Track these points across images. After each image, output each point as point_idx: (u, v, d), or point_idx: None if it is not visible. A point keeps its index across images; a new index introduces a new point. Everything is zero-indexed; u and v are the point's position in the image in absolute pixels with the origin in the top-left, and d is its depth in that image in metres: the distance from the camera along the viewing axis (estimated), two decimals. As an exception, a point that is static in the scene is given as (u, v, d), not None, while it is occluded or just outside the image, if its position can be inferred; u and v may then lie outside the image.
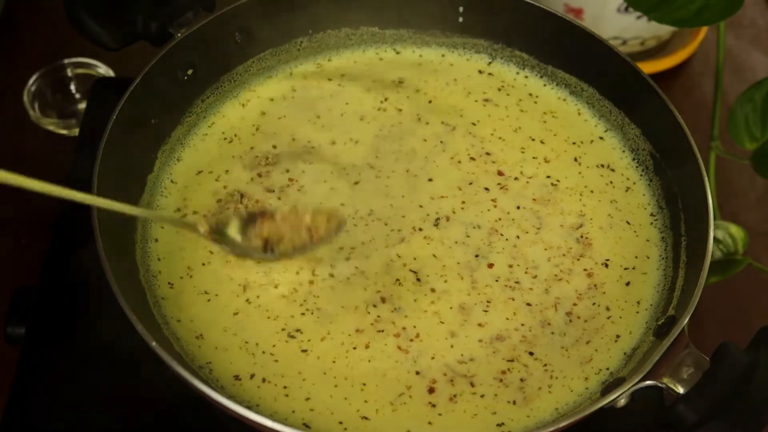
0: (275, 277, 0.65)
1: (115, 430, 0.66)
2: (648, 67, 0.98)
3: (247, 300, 0.64)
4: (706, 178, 0.65)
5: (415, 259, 0.67)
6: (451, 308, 0.65)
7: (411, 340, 0.63)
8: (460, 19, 0.78)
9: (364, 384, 0.61)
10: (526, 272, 0.67)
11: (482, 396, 0.61)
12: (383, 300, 0.65)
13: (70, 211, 0.75)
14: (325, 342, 0.63)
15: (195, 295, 0.65)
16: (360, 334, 0.63)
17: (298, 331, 0.63)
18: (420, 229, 0.68)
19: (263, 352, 0.62)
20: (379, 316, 0.64)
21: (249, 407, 0.56)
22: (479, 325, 0.64)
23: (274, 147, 0.73)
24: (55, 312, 0.70)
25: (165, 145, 0.72)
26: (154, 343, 0.56)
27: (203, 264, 0.66)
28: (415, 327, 0.64)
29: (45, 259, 0.73)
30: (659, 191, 0.71)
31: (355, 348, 0.62)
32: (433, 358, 0.62)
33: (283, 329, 0.63)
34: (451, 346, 0.63)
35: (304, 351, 0.62)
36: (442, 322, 0.64)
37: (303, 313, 0.64)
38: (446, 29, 0.79)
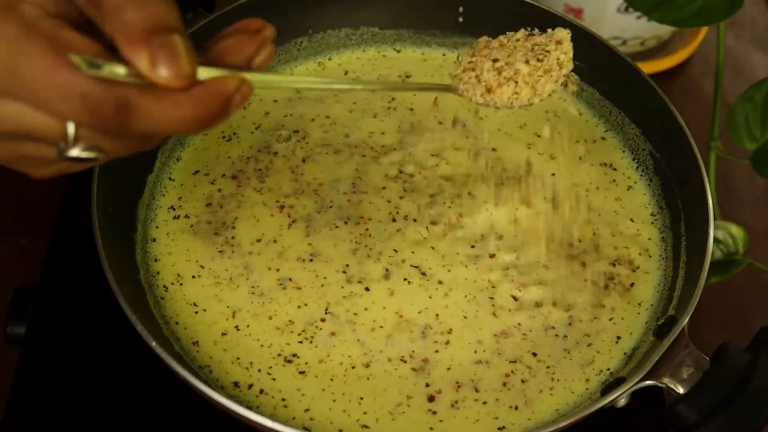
0: (274, 308, 0.64)
1: (115, 431, 0.66)
2: (648, 67, 0.98)
3: (236, 327, 0.63)
4: (706, 178, 0.65)
5: (413, 252, 0.67)
6: (465, 318, 0.65)
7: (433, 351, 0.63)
8: (460, 19, 0.78)
9: (362, 398, 0.61)
10: (529, 266, 0.67)
11: (485, 403, 0.61)
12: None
13: (70, 211, 0.75)
14: (324, 364, 0.62)
15: (184, 304, 0.64)
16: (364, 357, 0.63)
17: (294, 356, 0.62)
18: (414, 220, 0.69)
19: (258, 371, 0.62)
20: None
21: (249, 408, 0.56)
22: (489, 322, 0.64)
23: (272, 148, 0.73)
24: (55, 312, 0.70)
25: (165, 145, 0.72)
26: (154, 343, 0.56)
27: (193, 277, 0.66)
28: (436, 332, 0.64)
29: (45, 259, 0.73)
30: (659, 191, 0.71)
31: (353, 367, 0.62)
32: (449, 369, 0.62)
33: (279, 354, 0.62)
34: (474, 352, 0.63)
35: (302, 372, 0.62)
36: (464, 330, 0.64)
37: (301, 342, 0.63)
38: (446, 29, 0.79)
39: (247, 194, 0.70)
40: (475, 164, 0.72)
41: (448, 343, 0.63)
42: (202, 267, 0.66)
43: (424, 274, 0.66)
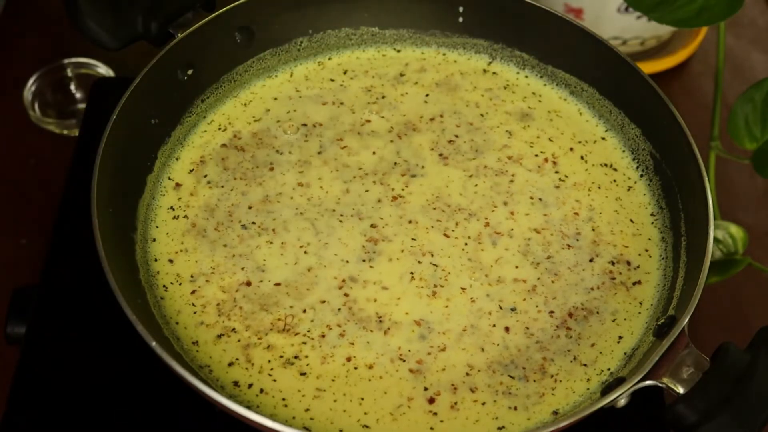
0: (276, 309, 0.64)
1: (115, 431, 0.66)
2: (648, 67, 0.98)
3: (233, 328, 0.63)
4: (706, 178, 0.65)
5: (428, 254, 0.67)
6: (470, 305, 0.65)
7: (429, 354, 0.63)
8: (460, 19, 0.78)
9: (362, 399, 0.61)
10: (536, 266, 0.67)
11: (483, 404, 0.61)
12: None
13: (70, 211, 0.75)
14: (326, 365, 0.62)
15: (183, 304, 0.64)
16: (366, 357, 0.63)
17: (296, 357, 0.62)
18: (433, 225, 0.68)
19: (259, 372, 0.62)
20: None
21: (249, 407, 0.56)
22: (492, 325, 0.64)
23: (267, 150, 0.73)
24: (55, 312, 0.70)
25: (165, 145, 0.72)
26: (154, 343, 0.56)
27: (192, 276, 0.66)
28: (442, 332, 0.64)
29: (45, 259, 0.73)
30: (659, 191, 0.71)
31: (356, 368, 0.62)
32: (444, 369, 0.62)
33: (281, 356, 0.62)
34: (465, 350, 0.63)
35: (304, 374, 0.62)
36: (465, 330, 0.64)
37: (304, 342, 0.63)
38: (446, 29, 0.79)
39: (247, 193, 0.70)
40: (482, 160, 0.72)
41: (444, 349, 0.63)
42: (202, 267, 0.66)
43: (436, 268, 0.66)
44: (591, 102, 0.77)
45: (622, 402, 0.58)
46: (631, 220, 0.70)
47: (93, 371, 0.67)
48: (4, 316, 0.72)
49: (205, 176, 0.71)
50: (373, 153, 0.73)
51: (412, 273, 0.66)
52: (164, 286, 0.65)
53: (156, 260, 0.66)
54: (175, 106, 0.73)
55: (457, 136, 0.74)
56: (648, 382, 0.57)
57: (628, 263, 0.68)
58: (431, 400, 0.61)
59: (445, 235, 0.68)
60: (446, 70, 0.79)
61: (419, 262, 0.67)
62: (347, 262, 0.66)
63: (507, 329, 0.64)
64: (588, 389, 0.62)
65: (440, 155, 0.73)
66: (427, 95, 0.77)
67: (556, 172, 0.73)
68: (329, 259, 0.66)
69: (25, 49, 1.00)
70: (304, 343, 0.63)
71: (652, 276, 0.67)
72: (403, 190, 0.71)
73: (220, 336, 0.63)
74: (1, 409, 0.66)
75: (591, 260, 0.68)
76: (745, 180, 0.95)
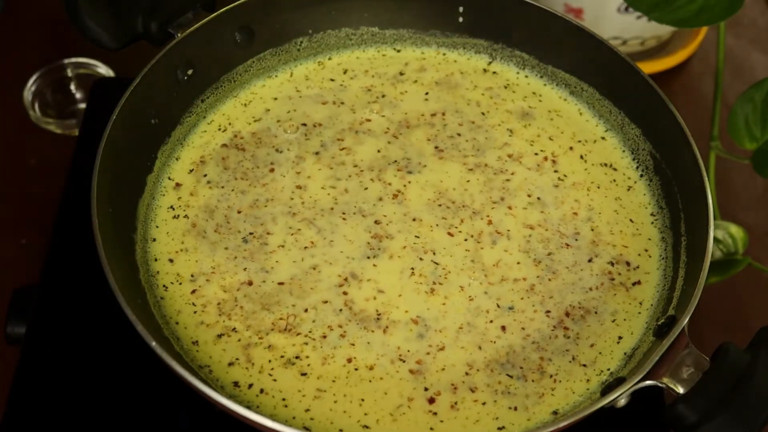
0: (277, 309, 0.64)
1: (115, 431, 0.66)
2: (648, 67, 0.98)
3: (234, 328, 0.63)
4: (706, 178, 0.65)
5: (430, 252, 0.67)
6: (466, 318, 0.65)
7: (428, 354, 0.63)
8: (460, 19, 0.78)
9: (363, 399, 0.61)
10: (537, 263, 0.67)
11: (484, 404, 0.61)
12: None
13: (70, 211, 0.75)
14: (327, 365, 0.62)
15: (183, 303, 0.64)
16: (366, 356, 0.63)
17: (297, 358, 0.62)
18: (436, 225, 0.68)
19: (259, 372, 0.62)
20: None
21: (249, 407, 0.56)
22: (490, 322, 0.64)
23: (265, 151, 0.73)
24: (55, 312, 0.70)
25: (165, 145, 0.72)
26: (153, 343, 0.56)
27: (192, 276, 0.66)
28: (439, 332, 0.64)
29: (45, 259, 0.73)
30: (659, 191, 0.71)
31: (357, 369, 0.62)
32: (443, 369, 0.62)
33: (281, 356, 0.62)
34: (463, 347, 0.63)
35: (304, 374, 0.62)
36: (461, 327, 0.64)
37: (306, 343, 0.63)
38: (446, 29, 0.79)
39: (247, 192, 0.70)
40: (484, 159, 0.72)
41: (443, 348, 0.63)
42: (203, 266, 0.66)
43: (436, 266, 0.66)
44: (591, 102, 0.77)
45: (622, 402, 0.58)
46: (631, 220, 0.70)
47: (93, 371, 0.67)
48: (4, 316, 0.72)
49: (205, 176, 0.71)
50: (378, 151, 0.73)
51: (412, 269, 0.66)
52: (164, 285, 0.65)
53: (156, 260, 0.66)
54: (175, 106, 0.73)
55: (459, 134, 0.74)
56: (648, 382, 0.57)
57: (628, 263, 0.68)
58: (431, 401, 0.61)
59: (449, 233, 0.68)
60: (446, 70, 0.79)
61: (420, 258, 0.67)
62: (352, 258, 0.66)
63: (503, 328, 0.64)
64: (588, 389, 0.62)
65: (436, 147, 0.73)
66: (427, 93, 0.77)
67: (556, 171, 0.73)
68: (334, 256, 0.67)
69: (25, 49, 1.00)
70: (306, 343, 0.63)
71: (652, 276, 0.67)
72: (404, 186, 0.71)
73: (220, 336, 0.63)
74: (1, 409, 0.66)
75: (590, 260, 0.68)
76: (745, 180, 0.95)
